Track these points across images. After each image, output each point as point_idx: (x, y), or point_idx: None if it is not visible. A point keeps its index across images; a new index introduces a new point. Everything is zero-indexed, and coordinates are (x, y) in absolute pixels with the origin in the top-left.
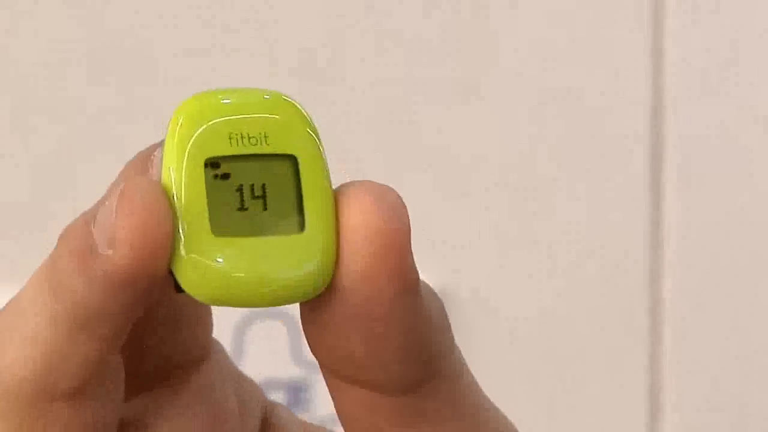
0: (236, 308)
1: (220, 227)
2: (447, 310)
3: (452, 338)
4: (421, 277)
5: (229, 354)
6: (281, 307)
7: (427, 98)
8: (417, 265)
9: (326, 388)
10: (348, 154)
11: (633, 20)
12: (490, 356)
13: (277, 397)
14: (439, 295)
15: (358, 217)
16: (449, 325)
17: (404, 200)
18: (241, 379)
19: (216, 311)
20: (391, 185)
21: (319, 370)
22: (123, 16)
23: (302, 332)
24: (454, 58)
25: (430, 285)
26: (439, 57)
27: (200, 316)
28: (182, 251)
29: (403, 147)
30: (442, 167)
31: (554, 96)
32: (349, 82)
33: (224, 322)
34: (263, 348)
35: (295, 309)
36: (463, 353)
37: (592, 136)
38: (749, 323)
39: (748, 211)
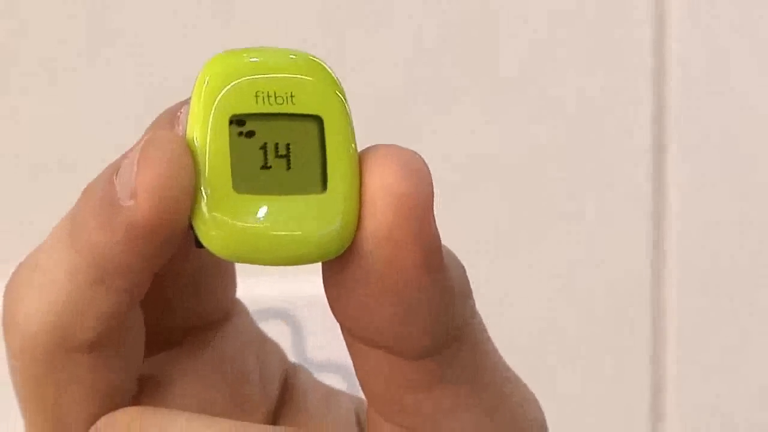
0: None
1: (243, 184)
2: None
3: (473, 305)
4: None
5: None
6: (284, 308)
7: (425, 100)
8: None
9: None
10: None
11: (635, 22)
12: None
13: None
14: None
15: (382, 180)
16: (470, 292)
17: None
18: (263, 341)
19: None
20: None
21: (322, 370)
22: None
23: (305, 333)
24: (455, 58)
25: None
26: (441, 57)
27: (223, 275)
28: (203, 206)
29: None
30: (441, 171)
31: (555, 99)
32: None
33: None
34: None
35: (298, 309)
36: None
37: (594, 140)
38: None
39: (753, 216)
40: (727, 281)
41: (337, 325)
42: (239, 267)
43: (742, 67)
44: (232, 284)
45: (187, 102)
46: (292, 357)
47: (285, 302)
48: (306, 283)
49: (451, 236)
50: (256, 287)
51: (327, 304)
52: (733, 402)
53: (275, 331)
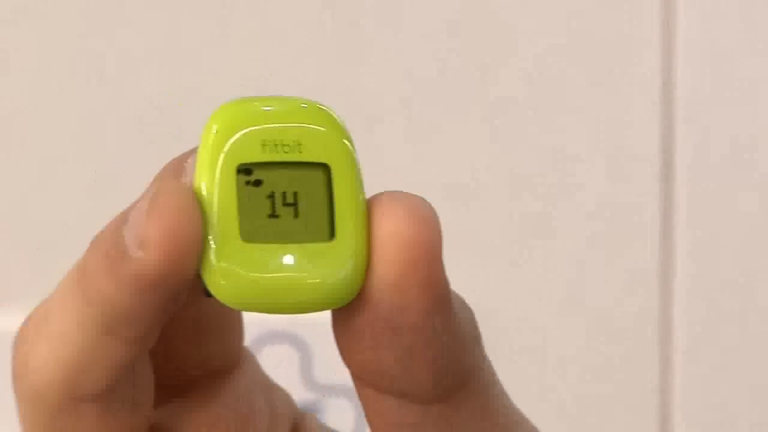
0: (246, 331)
1: (251, 233)
2: None
3: (482, 349)
4: None
5: None
6: (292, 331)
7: (429, 98)
8: None
9: (337, 412)
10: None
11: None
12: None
13: None
14: None
15: (390, 227)
16: (480, 336)
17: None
18: (271, 388)
19: None
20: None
21: (330, 393)
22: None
23: (313, 356)
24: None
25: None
26: (446, 57)
27: (231, 323)
28: (211, 256)
29: (403, 147)
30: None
31: (560, 100)
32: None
33: None
34: (274, 372)
35: (305, 333)
36: None
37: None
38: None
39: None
40: (734, 287)
41: (326, 348)
42: None
43: (751, 84)
44: (239, 332)
45: (193, 151)
46: (301, 382)
47: (293, 325)
48: None
49: (459, 245)
50: None
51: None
52: (739, 406)
53: (283, 355)
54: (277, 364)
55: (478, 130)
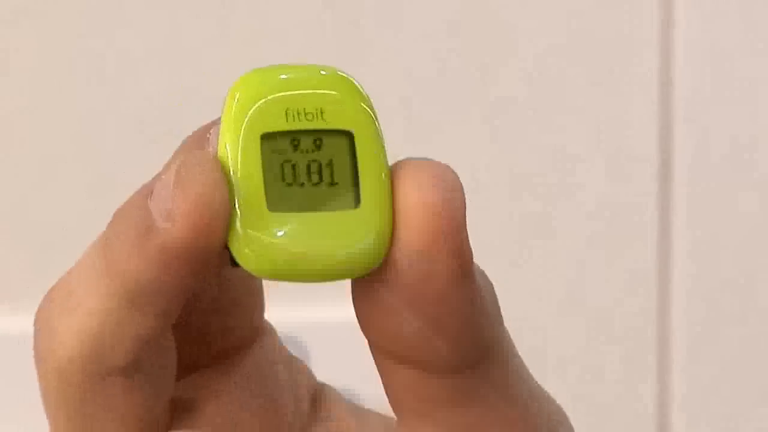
0: None
1: (276, 202)
2: None
3: (502, 322)
4: None
5: None
6: (291, 334)
7: (429, 98)
8: None
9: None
10: None
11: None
12: None
13: None
14: None
15: (415, 194)
16: (500, 309)
17: None
18: (291, 360)
19: None
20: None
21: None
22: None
23: (312, 359)
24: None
25: None
26: (446, 57)
27: (253, 296)
28: (238, 226)
29: (403, 147)
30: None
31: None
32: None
33: None
34: None
35: (305, 336)
36: None
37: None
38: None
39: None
40: (733, 287)
41: (344, 352)
42: None
43: (750, 84)
44: (261, 304)
45: (216, 122)
46: None
47: (290, 329)
48: (312, 311)
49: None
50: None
51: (333, 331)
52: (739, 406)
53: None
54: None
55: (478, 130)
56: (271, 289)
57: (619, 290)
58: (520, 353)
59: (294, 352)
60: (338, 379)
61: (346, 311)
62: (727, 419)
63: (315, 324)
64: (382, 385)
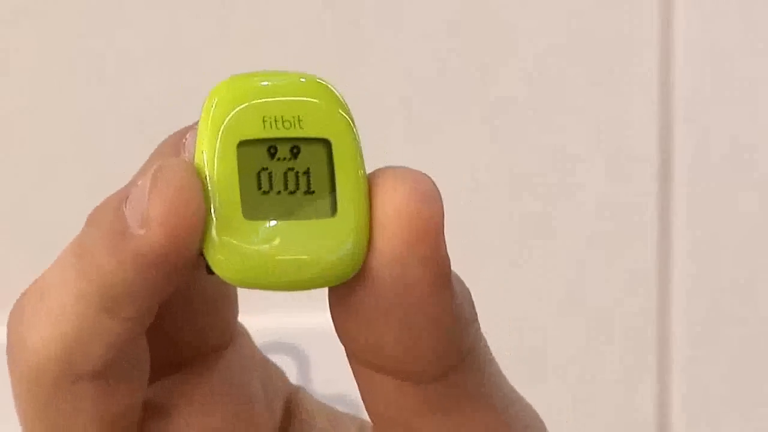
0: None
1: (252, 210)
2: None
3: (479, 329)
4: None
5: None
6: (290, 341)
7: (429, 98)
8: None
9: None
10: None
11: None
12: None
13: None
14: None
15: (392, 202)
16: (476, 316)
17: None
18: (265, 364)
19: None
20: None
21: (328, 402)
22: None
23: (310, 365)
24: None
25: None
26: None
27: (226, 300)
28: (213, 233)
29: (403, 147)
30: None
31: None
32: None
33: None
34: None
35: (303, 343)
36: None
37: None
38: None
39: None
40: (733, 287)
41: (342, 358)
42: (243, 301)
43: (750, 84)
44: (234, 308)
45: (192, 127)
46: None
47: (289, 336)
48: (310, 316)
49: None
50: (260, 321)
51: (331, 336)
52: (739, 407)
53: (281, 365)
54: None
55: (478, 130)
56: (268, 296)
57: (619, 290)
58: (520, 353)
59: (292, 359)
60: (336, 385)
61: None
62: (727, 419)
63: (313, 330)
64: None
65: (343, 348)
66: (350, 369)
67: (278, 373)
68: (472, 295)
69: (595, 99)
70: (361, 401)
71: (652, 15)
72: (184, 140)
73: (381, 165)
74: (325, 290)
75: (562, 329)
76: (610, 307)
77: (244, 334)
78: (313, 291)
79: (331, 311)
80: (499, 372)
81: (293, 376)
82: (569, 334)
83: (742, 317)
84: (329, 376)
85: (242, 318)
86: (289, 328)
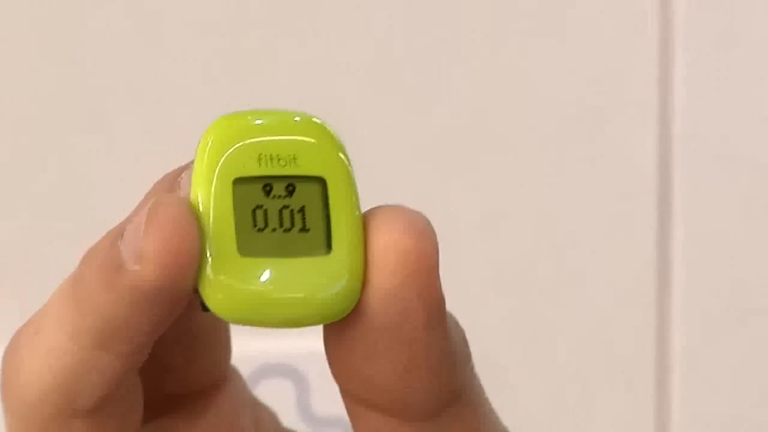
0: (243, 364)
1: (248, 247)
2: None
3: (473, 367)
4: None
5: None
6: (289, 364)
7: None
8: None
9: None
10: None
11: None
12: None
13: None
14: None
15: (387, 239)
16: (470, 355)
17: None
18: (257, 406)
19: None
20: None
21: (326, 426)
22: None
23: (310, 389)
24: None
25: None
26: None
27: (219, 339)
28: (208, 270)
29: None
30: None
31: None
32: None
33: None
34: (270, 405)
35: (302, 365)
36: None
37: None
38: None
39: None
40: (733, 288)
41: (319, 383)
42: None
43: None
44: (227, 349)
45: (187, 167)
46: (295, 413)
47: (288, 359)
48: (309, 340)
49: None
50: (259, 344)
51: (305, 363)
52: (739, 412)
53: (279, 388)
54: (274, 397)
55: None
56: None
57: (619, 290)
58: (520, 353)
59: (291, 381)
60: (335, 408)
61: None
62: (727, 420)
63: (312, 353)
64: None
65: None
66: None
67: (270, 416)
68: (471, 297)
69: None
70: None
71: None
72: (179, 179)
73: (377, 204)
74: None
75: (559, 331)
76: (610, 307)
77: (236, 375)
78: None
79: (325, 347)
80: (492, 411)
81: (291, 399)
82: (567, 336)
83: (743, 317)
84: (328, 399)
85: (241, 341)
86: (287, 350)
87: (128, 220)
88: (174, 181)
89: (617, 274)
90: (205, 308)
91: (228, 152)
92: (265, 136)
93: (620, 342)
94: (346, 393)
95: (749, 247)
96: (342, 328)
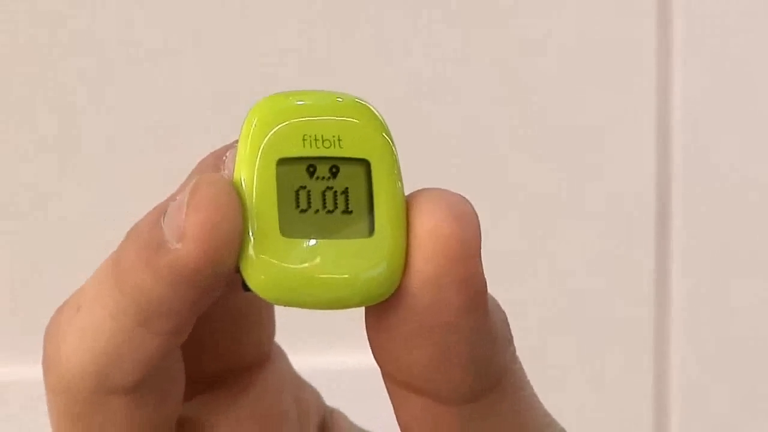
0: None
1: (289, 228)
2: None
3: (514, 351)
4: None
5: None
6: (310, 379)
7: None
8: None
9: None
10: None
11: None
12: None
13: None
14: None
15: (430, 223)
16: (512, 338)
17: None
18: (301, 384)
19: None
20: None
21: None
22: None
23: (333, 405)
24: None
25: None
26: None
27: (263, 318)
28: (250, 250)
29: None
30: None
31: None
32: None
33: None
34: None
35: (324, 385)
36: None
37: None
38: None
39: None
40: (735, 287)
41: (363, 400)
42: None
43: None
44: (271, 327)
45: (232, 146)
46: None
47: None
48: (332, 357)
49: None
50: None
51: (353, 378)
52: (739, 407)
53: None
54: None
55: (478, 132)
56: (289, 337)
57: (619, 291)
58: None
59: None
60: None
61: (366, 358)
62: (727, 420)
63: (335, 371)
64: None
65: (364, 389)
66: (386, 391)
67: (313, 394)
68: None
69: (594, 99)
70: None
71: (652, 15)
72: (224, 158)
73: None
74: (350, 329)
75: (560, 333)
76: (610, 307)
77: (280, 353)
78: (339, 329)
79: (367, 331)
80: (534, 395)
81: None
82: (567, 338)
83: (743, 317)
84: (350, 417)
85: None
86: (313, 368)
87: (171, 198)
88: (219, 159)
89: (618, 274)
90: (246, 288)
91: (272, 132)
92: (310, 117)
93: (620, 341)
94: (387, 376)
95: (747, 273)
96: (383, 311)
